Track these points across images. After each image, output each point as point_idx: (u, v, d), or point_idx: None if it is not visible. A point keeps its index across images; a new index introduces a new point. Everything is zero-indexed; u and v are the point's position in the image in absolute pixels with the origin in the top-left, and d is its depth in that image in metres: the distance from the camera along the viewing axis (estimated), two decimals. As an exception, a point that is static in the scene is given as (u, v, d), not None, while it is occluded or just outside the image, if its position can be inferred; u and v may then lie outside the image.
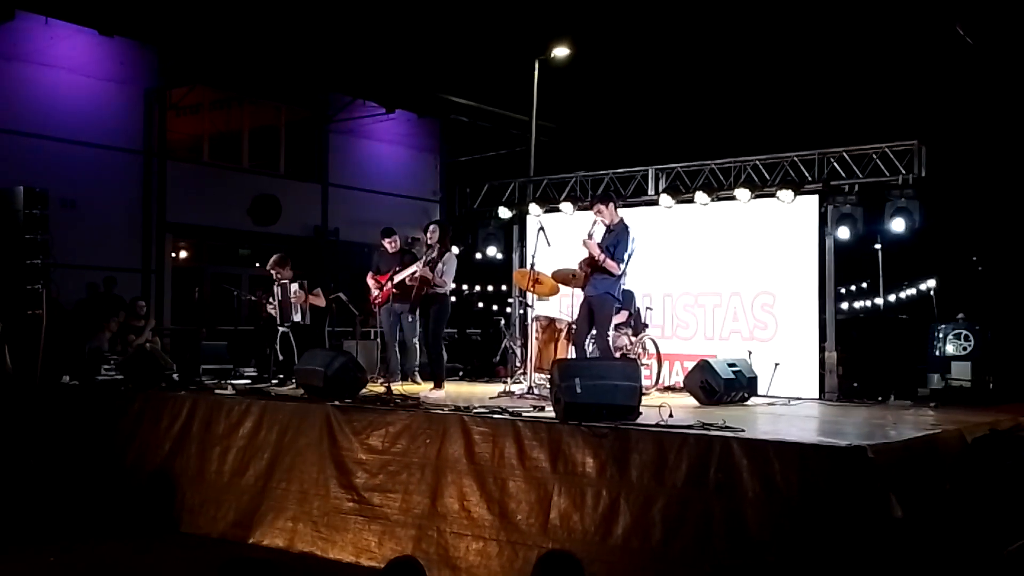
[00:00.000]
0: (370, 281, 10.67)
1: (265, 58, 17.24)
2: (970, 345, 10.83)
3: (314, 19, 18.28)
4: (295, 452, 7.98)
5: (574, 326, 9.38)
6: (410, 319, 10.32)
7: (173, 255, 17.94)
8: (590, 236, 8.89)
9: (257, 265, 17.69)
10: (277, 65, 17.58)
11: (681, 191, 11.30)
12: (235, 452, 8.37)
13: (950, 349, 10.93)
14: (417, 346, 10.50)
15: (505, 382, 10.29)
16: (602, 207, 9.00)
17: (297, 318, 10.22)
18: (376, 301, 10.59)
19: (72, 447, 9.55)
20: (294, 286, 10.26)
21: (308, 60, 17.85)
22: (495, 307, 24.31)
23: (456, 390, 10.19)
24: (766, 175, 10.91)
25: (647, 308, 10.88)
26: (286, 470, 8.00)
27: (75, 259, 14.07)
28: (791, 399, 9.66)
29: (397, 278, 10.23)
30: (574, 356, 9.20)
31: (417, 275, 9.79)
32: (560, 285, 9.99)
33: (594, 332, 9.02)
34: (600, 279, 8.87)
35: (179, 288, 17.95)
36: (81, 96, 15.89)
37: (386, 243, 10.72)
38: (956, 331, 10.94)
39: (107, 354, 11.72)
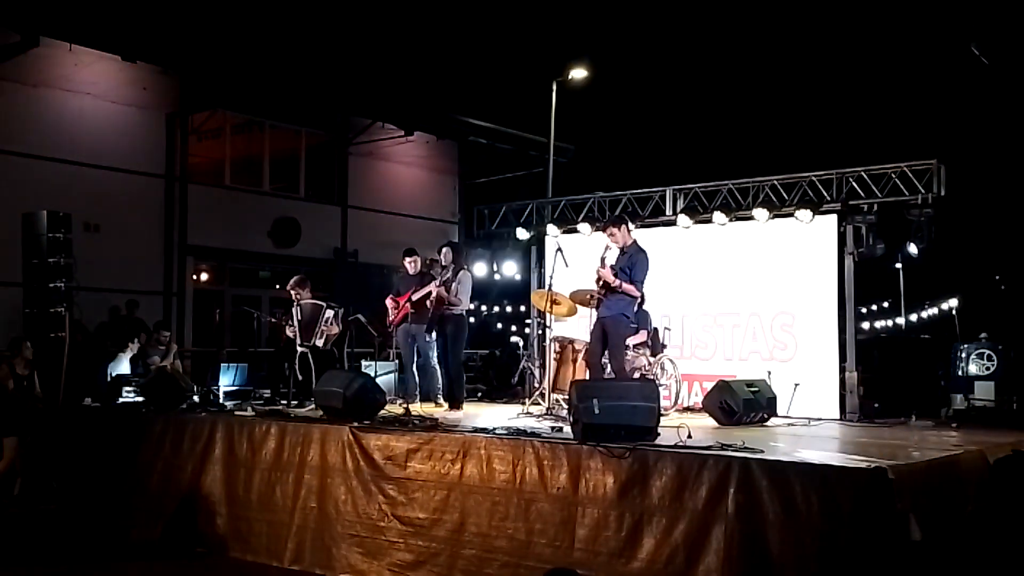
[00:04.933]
0: (389, 303, 10.71)
1: (285, 83, 17.40)
2: (993, 365, 10.74)
3: (333, 44, 18.50)
4: (319, 473, 7.99)
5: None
6: (427, 339, 10.35)
7: (194, 278, 18.05)
8: (603, 261, 8.89)
9: (278, 287, 17.78)
10: (297, 89, 17.74)
11: (699, 211, 11.30)
12: (260, 474, 8.38)
13: (973, 369, 10.84)
14: (437, 367, 10.52)
15: (523, 403, 10.29)
16: (615, 229, 9.00)
17: (320, 343, 10.25)
18: (392, 322, 10.61)
19: (94, 469, 9.61)
20: (328, 313, 10.27)
21: (328, 84, 18.02)
22: (513, 328, 24.33)
23: (474, 411, 10.20)
24: (784, 195, 10.90)
25: (665, 328, 10.86)
26: (311, 492, 8.00)
27: (98, 282, 14.20)
28: (811, 420, 9.61)
29: (414, 297, 10.28)
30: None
31: (432, 295, 9.86)
32: (578, 306, 10.00)
33: (608, 353, 9.01)
34: (615, 300, 8.85)
35: (200, 310, 18.05)
36: (104, 121, 16.08)
37: (407, 263, 10.77)
38: (979, 351, 10.87)
39: (128, 376, 11.79)
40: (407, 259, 10.78)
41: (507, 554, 6.77)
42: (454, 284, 9.96)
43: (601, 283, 8.90)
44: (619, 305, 8.83)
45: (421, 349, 10.53)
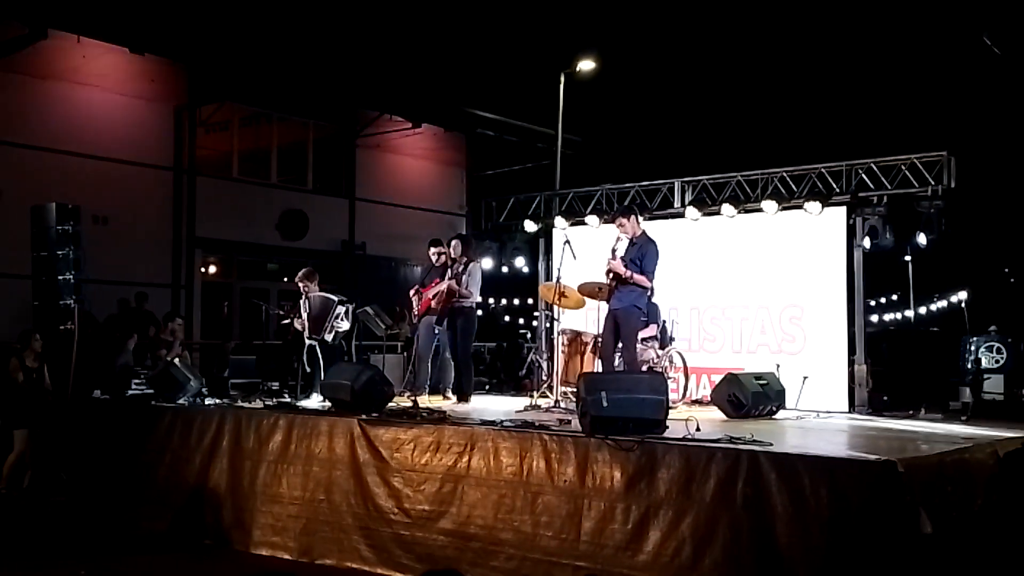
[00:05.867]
0: (412, 295, 10.67)
1: (293, 75, 17.42)
2: (1002, 358, 10.73)
3: (341, 36, 18.47)
4: (326, 466, 7.98)
5: (600, 339, 9.36)
6: (436, 331, 10.35)
7: (203, 270, 18.10)
8: (613, 252, 8.87)
9: (285, 280, 17.82)
10: (305, 81, 17.75)
11: (707, 203, 11.25)
12: (266, 466, 8.36)
13: (982, 362, 10.81)
14: (451, 360, 10.51)
15: (531, 396, 10.28)
16: (624, 220, 9.01)
17: (329, 337, 10.21)
18: (417, 313, 10.60)
19: (103, 461, 9.63)
20: (339, 309, 10.20)
21: (336, 76, 18.02)
22: (521, 321, 24.34)
23: (482, 404, 10.19)
24: (793, 187, 10.85)
25: (674, 321, 10.83)
26: (319, 484, 7.99)
27: (107, 275, 14.25)
28: (820, 413, 9.58)
29: (430, 292, 10.28)
30: (600, 370, 9.17)
31: (444, 288, 9.87)
32: (586, 298, 9.98)
33: (620, 345, 9.00)
34: (626, 291, 8.85)
35: (208, 303, 18.10)
36: (113, 113, 16.13)
37: (431, 253, 10.71)
38: (988, 344, 10.85)
39: (136, 369, 11.83)
40: (432, 249, 10.71)
41: (513, 546, 6.77)
42: (464, 277, 9.97)
43: (612, 275, 8.89)
44: (631, 297, 8.83)
45: (441, 341, 10.50)
